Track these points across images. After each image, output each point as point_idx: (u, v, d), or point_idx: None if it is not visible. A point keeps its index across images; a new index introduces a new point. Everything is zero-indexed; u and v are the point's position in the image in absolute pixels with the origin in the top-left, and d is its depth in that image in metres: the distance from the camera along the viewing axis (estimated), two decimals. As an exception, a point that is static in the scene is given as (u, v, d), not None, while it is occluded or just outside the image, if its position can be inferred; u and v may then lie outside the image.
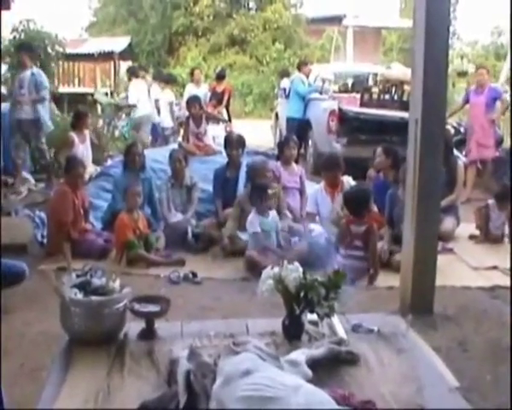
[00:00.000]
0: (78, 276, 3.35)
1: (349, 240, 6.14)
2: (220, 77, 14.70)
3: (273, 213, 6.58)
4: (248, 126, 16.30)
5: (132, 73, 14.10)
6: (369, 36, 29.03)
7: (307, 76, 13.55)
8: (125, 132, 13.53)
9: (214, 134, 10.79)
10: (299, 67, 13.82)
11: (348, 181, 7.50)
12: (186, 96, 12.72)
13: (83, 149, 9.66)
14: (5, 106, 10.35)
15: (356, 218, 6.15)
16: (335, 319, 3.13)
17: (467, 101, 10.64)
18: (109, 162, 9.86)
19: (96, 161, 10.18)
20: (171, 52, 29.45)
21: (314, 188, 7.62)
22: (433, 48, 4.72)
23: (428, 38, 4.70)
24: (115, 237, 6.66)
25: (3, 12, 10.45)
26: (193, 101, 10.05)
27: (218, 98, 13.86)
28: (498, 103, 10.45)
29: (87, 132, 10.09)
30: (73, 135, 9.66)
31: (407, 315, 4.60)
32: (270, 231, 6.45)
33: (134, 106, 13.18)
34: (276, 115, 16.01)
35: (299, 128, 12.54)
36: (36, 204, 8.40)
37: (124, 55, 22.45)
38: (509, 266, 6.34)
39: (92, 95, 16.40)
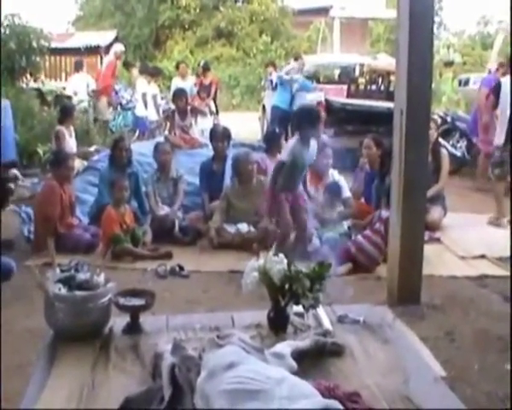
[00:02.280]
0: (62, 271, 3.32)
1: (373, 222, 6.32)
2: (205, 69, 14.70)
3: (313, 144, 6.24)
4: (236, 119, 16.34)
5: (79, 66, 14.92)
6: (355, 27, 28.99)
7: None
8: (113, 126, 13.50)
9: (203, 127, 10.76)
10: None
11: (333, 174, 7.49)
12: (173, 89, 12.72)
13: (71, 143, 9.62)
14: None
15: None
16: (321, 311, 3.12)
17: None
18: (96, 157, 9.81)
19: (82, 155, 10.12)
20: (157, 45, 29.32)
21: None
22: (417, 38, 4.72)
23: (412, 28, 4.71)
24: (102, 232, 6.64)
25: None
26: (179, 94, 10.03)
27: (206, 91, 13.85)
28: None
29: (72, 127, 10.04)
30: (63, 128, 9.58)
31: (394, 305, 4.62)
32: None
33: (69, 97, 13.54)
34: (264, 107, 15.99)
35: (285, 119, 12.57)
36: (23, 199, 8.35)
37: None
38: (496, 255, 6.38)
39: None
